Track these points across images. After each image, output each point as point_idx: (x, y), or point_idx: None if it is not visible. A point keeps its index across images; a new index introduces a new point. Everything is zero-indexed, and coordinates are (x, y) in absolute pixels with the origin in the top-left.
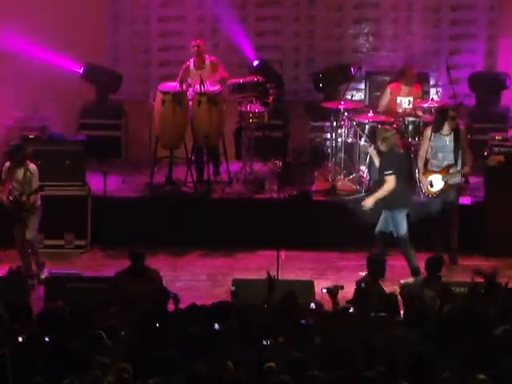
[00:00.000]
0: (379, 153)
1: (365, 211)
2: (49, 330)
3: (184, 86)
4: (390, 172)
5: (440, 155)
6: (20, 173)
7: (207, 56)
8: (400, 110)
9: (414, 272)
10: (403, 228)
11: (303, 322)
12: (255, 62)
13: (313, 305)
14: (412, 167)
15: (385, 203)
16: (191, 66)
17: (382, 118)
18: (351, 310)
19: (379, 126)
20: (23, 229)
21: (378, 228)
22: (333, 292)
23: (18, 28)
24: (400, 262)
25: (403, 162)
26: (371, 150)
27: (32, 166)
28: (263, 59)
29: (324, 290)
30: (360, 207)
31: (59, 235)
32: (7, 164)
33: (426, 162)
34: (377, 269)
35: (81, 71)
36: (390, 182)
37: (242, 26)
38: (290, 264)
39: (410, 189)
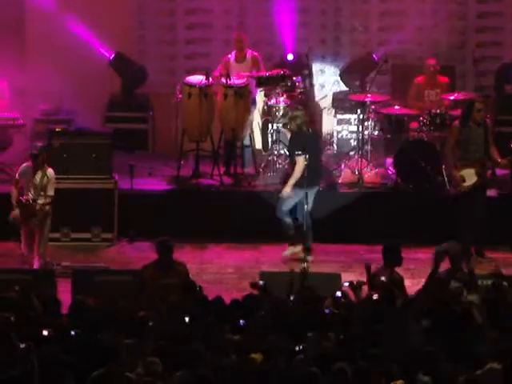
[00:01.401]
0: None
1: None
2: (77, 323)
3: (210, 79)
4: (299, 153)
5: (472, 148)
6: (37, 176)
7: (249, 50)
8: (427, 103)
9: (307, 250)
10: (286, 208)
11: (327, 311)
12: (290, 56)
13: (339, 293)
14: (320, 146)
15: (306, 182)
16: (231, 59)
17: (408, 110)
18: (375, 298)
19: (289, 105)
20: (31, 234)
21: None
22: (355, 286)
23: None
24: (425, 255)
25: (311, 141)
26: (282, 130)
27: (50, 171)
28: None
29: (346, 284)
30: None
31: (86, 228)
32: (26, 165)
33: (457, 156)
34: (391, 257)
35: (111, 57)
36: (300, 162)
37: (270, 20)
38: (317, 257)
39: (319, 168)
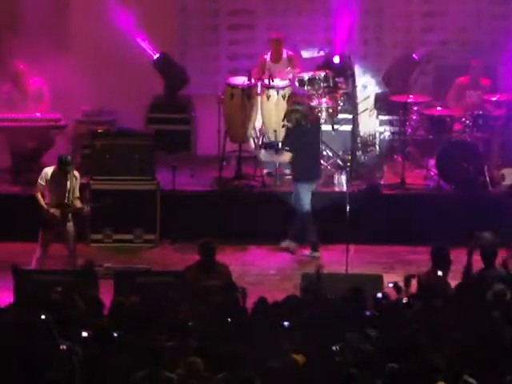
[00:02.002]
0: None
1: None
2: (119, 324)
3: (252, 80)
4: (287, 148)
5: None
6: (66, 180)
7: (285, 50)
8: (467, 104)
9: (314, 246)
10: (306, 204)
11: (368, 313)
12: (336, 59)
13: (379, 294)
14: (319, 141)
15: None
16: (268, 59)
17: (451, 111)
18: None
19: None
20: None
21: None
22: (398, 287)
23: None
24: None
25: (308, 135)
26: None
27: (76, 173)
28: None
29: (390, 285)
30: None
31: (128, 230)
32: (52, 169)
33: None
34: (440, 260)
35: (155, 58)
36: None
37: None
38: (360, 258)
39: (316, 163)
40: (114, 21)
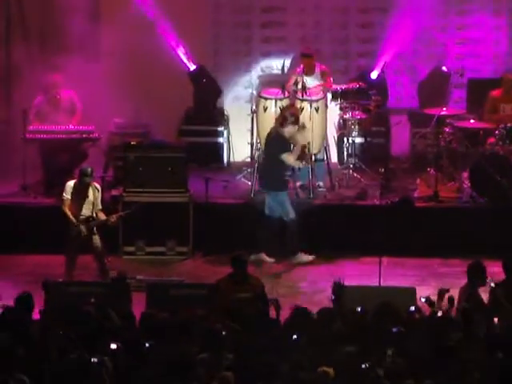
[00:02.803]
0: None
1: None
2: (151, 336)
3: (286, 92)
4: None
5: None
6: (89, 193)
7: (318, 64)
8: (502, 117)
9: (294, 251)
10: (292, 211)
11: (395, 329)
12: (374, 74)
13: (412, 308)
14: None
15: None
16: (300, 72)
17: (484, 124)
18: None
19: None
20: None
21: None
22: (431, 301)
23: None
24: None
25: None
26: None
27: (97, 185)
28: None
29: (423, 299)
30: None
31: (161, 242)
32: (73, 183)
33: None
34: (475, 275)
35: (192, 70)
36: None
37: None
38: (392, 270)
39: (270, 173)
40: (146, 31)
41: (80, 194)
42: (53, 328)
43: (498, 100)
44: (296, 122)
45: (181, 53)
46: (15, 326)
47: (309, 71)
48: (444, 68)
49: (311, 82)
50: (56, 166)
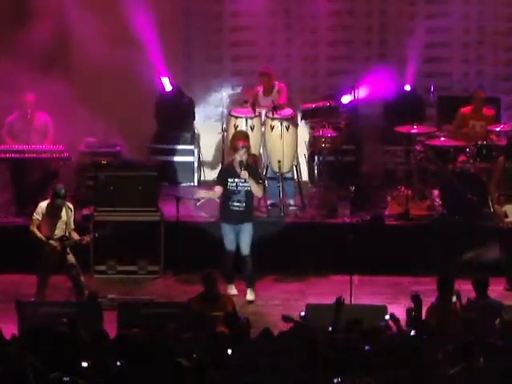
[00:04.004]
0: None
1: None
2: (123, 355)
3: (256, 111)
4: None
5: None
6: (63, 213)
7: (276, 83)
8: (472, 134)
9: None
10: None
11: (367, 348)
12: (345, 99)
13: (383, 324)
14: None
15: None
16: (260, 91)
17: (454, 142)
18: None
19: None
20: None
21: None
22: (395, 319)
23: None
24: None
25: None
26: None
27: (70, 205)
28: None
29: (387, 317)
30: None
31: (132, 261)
32: (46, 203)
33: (501, 191)
34: (446, 292)
35: (168, 89)
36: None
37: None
38: (363, 289)
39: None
40: (117, 51)
41: (53, 214)
42: (28, 348)
43: (467, 117)
44: (235, 148)
45: (160, 74)
46: None
47: (268, 90)
48: (407, 87)
49: (269, 100)
50: (26, 185)
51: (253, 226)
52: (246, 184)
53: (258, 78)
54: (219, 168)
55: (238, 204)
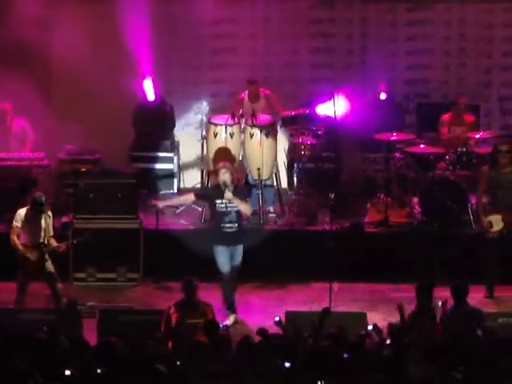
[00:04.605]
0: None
1: None
2: (103, 362)
3: (236, 118)
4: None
5: (500, 193)
6: (42, 220)
7: (262, 89)
8: (453, 141)
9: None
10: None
11: (346, 356)
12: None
13: (363, 332)
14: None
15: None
16: (245, 98)
17: (434, 149)
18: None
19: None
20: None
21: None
22: (378, 329)
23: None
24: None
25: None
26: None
27: (49, 211)
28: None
29: (370, 327)
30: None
31: (111, 268)
32: (25, 210)
33: (487, 201)
34: (425, 299)
35: (152, 98)
36: None
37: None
38: (343, 296)
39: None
40: (96, 58)
41: (33, 221)
42: (7, 355)
43: (448, 123)
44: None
45: (144, 83)
46: None
47: (253, 98)
48: (382, 95)
49: (256, 108)
50: (5, 192)
51: None
52: (233, 204)
53: (245, 85)
54: (199, 176)
55: (230, 225)
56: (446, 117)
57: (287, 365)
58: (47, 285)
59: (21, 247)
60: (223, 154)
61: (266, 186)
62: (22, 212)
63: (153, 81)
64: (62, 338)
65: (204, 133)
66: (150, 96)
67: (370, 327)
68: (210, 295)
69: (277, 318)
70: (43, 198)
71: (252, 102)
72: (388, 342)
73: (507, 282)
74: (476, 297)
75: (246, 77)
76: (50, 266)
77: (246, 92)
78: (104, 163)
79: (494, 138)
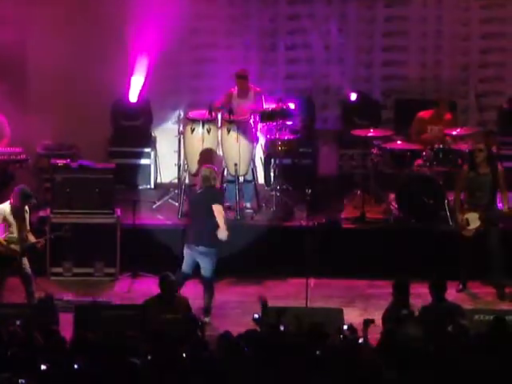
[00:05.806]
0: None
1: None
2: (81, 357)
3: (213, 114)
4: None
5: (477, 194)
6: (23, 213)
7: (252, 86)
8: (430, 138)
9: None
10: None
11: (318, 353)
12: (353, 96)
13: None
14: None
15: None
16: (235, 92)
17: (411, 145)
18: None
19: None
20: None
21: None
22: (353, 329)
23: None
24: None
25: (199, 200)
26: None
27: (26, 206)
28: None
29: (345, 327)
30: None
31: (88, 263)
32: (8, 205)
33: (464, 199)
34: (401, 296)
35: (134, 100)
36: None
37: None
38: (319, 292)
39: (202, 230)
40: (75, 54)
41: (18, 216)
42: None
43: (425, 121)
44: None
45: (135, 84)
46: None
47: (243, 93)
48: (352, 96)
49: (244, 104)
50: None
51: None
52: None
53: (234, 79)
54: (176, 171)
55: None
56: (423, 114)
57: None
58: (22, 281)
59: (3, 242)
60: (204, 158)
61: (245, 181)
62: (5, 207)
63: (139, 86)
64: (36, 333)
65: (181, 128)
66: (133, 97)
67: (345, 327)
68: (188, 290)
69: (256, 316)
70: (29, 190)
71: (240, 97)
72: (361, 340)
73: (481, 278)
74: (450, 292)
75: (226, 71)
76: (26, 262)
77: (236, 87)
78: (81, 158)
79: (470, 135)
